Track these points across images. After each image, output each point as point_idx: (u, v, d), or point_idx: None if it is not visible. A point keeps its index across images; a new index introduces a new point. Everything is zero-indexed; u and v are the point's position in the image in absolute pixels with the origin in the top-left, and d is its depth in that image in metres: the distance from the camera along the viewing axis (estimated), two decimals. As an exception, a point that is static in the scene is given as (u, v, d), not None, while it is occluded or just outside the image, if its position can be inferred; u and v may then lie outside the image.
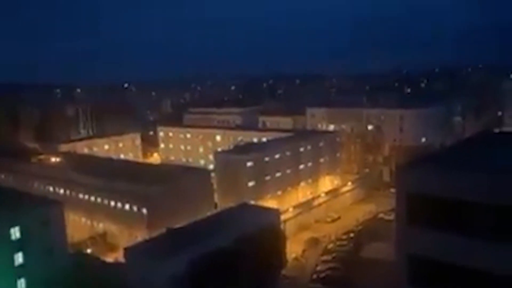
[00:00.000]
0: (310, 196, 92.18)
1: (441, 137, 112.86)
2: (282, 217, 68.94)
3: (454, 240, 24.06)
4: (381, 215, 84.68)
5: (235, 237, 48.98)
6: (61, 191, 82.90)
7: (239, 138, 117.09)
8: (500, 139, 37.27)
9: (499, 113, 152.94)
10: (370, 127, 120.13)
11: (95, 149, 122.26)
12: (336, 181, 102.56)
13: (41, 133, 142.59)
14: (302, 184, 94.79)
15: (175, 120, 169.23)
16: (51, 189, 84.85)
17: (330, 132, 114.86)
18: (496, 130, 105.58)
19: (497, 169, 24.82)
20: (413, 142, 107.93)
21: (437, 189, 24.53)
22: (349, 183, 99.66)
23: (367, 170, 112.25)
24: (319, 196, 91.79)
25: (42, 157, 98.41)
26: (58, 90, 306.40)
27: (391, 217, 79.03)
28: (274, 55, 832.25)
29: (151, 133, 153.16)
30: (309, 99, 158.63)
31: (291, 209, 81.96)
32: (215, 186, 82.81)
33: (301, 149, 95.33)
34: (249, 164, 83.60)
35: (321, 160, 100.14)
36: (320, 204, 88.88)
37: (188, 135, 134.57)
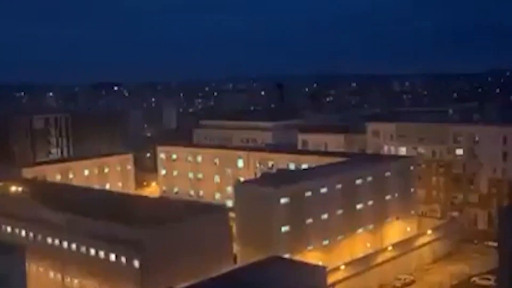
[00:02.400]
0: (370, 249, 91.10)
1: None
2: (330, 278, 68.15)
3: None
4: (475, 278, 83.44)
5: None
6: (23, 232, 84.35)
7: (270, 164, 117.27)
8: None
9: None
10: (459, 152, 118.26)
11: (71, 175, 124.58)
12: (410, 229, 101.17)
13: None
14: (360, 231, 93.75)
15: (181, 136, 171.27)
16: (9, 229, 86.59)
17: (402, 158, 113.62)
18: None
19: None
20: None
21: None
22: (429, 232, 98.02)
23: (455, 213, 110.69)
24: (384, 250, 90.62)
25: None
26: (22, 93, 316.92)
27: (491, 282, 77.10)
28: (320, 50, 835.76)
29: (148, 154, 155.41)
30: (370, 110, 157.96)
31: (343, 267, 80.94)
32: (234, 230, 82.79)
33: (359, 181, 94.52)
34: (283, 200, 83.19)
35: (388, 197, 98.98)
36: (385, 261, 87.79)
37: (199, 158, 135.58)
